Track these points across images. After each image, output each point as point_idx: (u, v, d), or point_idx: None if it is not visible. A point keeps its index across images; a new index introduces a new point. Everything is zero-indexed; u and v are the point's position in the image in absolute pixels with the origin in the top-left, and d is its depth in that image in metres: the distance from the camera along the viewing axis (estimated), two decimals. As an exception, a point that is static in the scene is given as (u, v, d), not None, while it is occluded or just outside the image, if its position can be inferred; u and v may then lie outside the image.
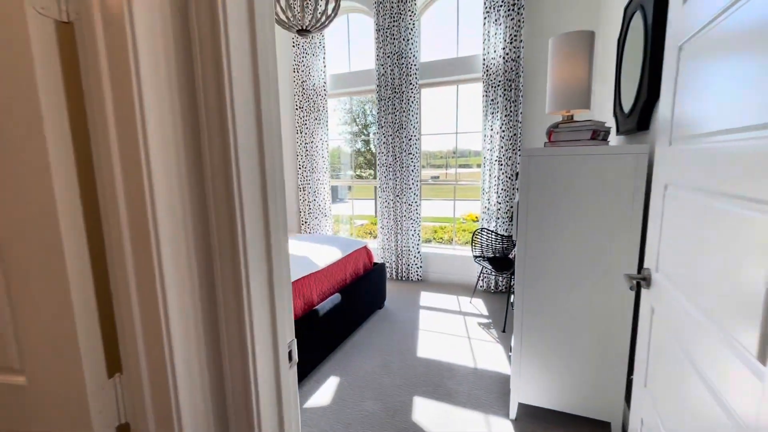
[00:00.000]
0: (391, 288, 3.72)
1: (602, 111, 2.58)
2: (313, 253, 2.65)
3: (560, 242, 1.58)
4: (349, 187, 6.16)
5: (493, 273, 2.95)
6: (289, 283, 0.80)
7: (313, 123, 4.10)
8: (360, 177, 7.02)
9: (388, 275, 4.01)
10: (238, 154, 0.64)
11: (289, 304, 0.80)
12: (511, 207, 3.41)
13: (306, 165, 4.22)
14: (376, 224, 4.09)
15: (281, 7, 2.19)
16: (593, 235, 1.51)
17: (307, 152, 4.19)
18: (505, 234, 3.43)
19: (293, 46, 4.01)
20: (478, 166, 3.56)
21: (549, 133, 1.66)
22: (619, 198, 1.45)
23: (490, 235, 3.32)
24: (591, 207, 1.50)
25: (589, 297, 1.56)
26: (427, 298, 3.48)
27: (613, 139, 2.22)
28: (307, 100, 4.08)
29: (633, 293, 1.48)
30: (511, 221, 3.43)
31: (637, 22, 1.75)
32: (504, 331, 2.77)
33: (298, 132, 4.17)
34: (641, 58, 1.62)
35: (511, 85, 3.24)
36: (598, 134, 1.56)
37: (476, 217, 6.21)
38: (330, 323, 2.34)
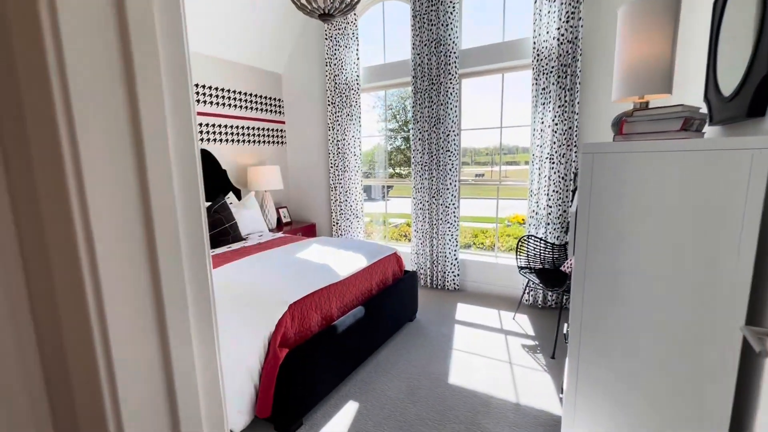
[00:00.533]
0: (424, 297, 3.42)
1: (685, 95, 2.10)
2: (335, 260, 2.42)
3: (635, 265, 1.21)
4: (385, 187, 5.90)
5: (540, 287, 2.56)
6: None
7: (345, 119, 3.89)
8: (399, 175, 6.76)
9: (421, 283, 3.72)
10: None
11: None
12: (565, 212, 2.97)
13: (338, 164, 4.02)
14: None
15: (299, -11, 1.97)
16: (683, 260, 1.12)
17: (339, 150, 3.99)
18: (557, 243, 3.00)
19: (325, 39, 3.82)
20: (526, 163, 3.16)
21: (620, 124, 1.28)
22: (723, 213, 1.05)
23: (538, 244, 2.91)
24: (680, 222, 1.11)
25: (675, 339, 1.17)
26: (464, 311, 3.14)
27: (706, 131, 1.76)
28: (339, 95, 3.87)
29: (739, 343, 1.08)
30: (565, 230, 2.99)
31: (748, -26, 1.31)
32: (554, 358, 2.38)
33: (330, 129, 3.98)
34: (756, 19, 1.20)
35: (566, 70, 2.80)
36: (691, 123, 1.16)
37: (523, 219, 5.71)
38: (351, 340, 2.10)
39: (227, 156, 3.79)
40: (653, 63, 1.44)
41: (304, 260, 2.40)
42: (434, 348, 2.52)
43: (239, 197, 3.83)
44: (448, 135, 3.36)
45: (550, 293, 3.06)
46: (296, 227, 4.11)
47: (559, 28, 2.76)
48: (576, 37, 2.73)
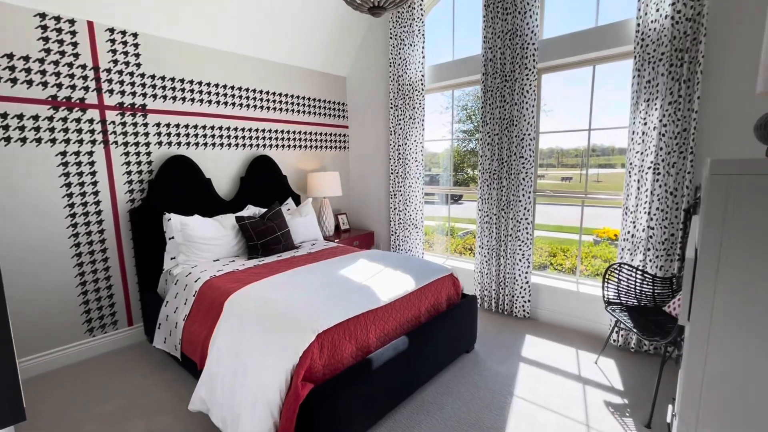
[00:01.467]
0: (486, 323, 3.02)
1: None
2: (379, 281, 2.18)
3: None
4: (452, 196, 5.49)
5: (634, 332, 2.02)
6: None
7: (408, 122, 3.63)
8: (474, 180, 6.29)
9: (485, 306, 3.30)
10: None
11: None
12: (672, 236, 2.35)
13: (398, 170, 3.78)
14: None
15: (344, -20, 1.77)
16: None
17: (400, 156, 3.75)
18: (660, 276, 2.38)
19: (390, 38, 3.61)
20: (623, 166, 2.59)
21: (782, 130, 0.83)
22: None
23: (633, 274, 2.34)
24: None
25: None
26: (533, 345, 2.68)
27: None
28: (402, 97, 3.63)
29: None
30: (671, 258, 2.36)
31: None
32: (649, 427, 1.84)
33: (392, 133, 3.76)
34: None
35: (682, 57, 2.19)
36: None
37: (615, 235, 4.86)
38: (390, 375, 1.84)
39: (288, 161, 3.79)
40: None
41: (346, 279, 2.20)
42: (492, 392, 2.14)
43: (298, 203, 3.81)
44: (523, 139, 2.90)
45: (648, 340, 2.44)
46: (354, 235, 3.97)
47: (674, 4, 2.17)
48: (699, 13, 2.12)
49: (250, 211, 3.16)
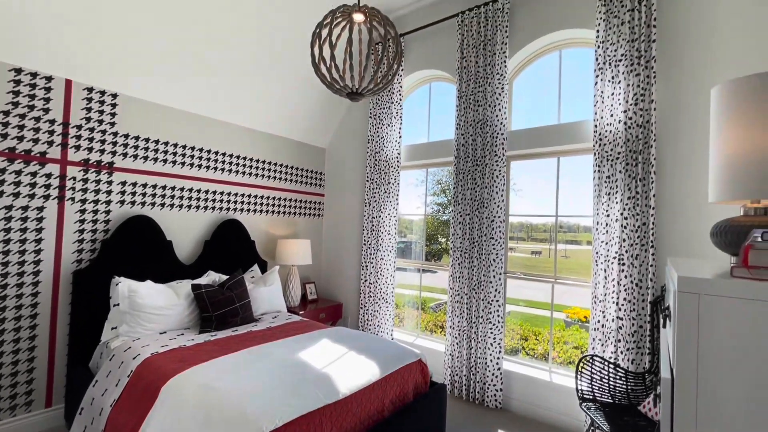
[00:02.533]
0: (456, 414, 2.78)
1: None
2: (341, 367, 2.00)
3: None
4: (422, 266, 5.44)
5: (611, 435, 1.88)
6: None
7: (383, 196, 3.68)
8: (446, 251, 6.31)
9: (456, 393, 3.08)
10: None
11: None
12: (641, 327, 2.33)
13: (370, 241, 3.74)
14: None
15: (326, 67, 1.86)
16: None
17: (373, 227, 3.73)
18: (632, 372, 2.31)
19: (369, 117, 3.79)
20: (589, 243, 2.62)
21: (743, 251, 0.84)
22: None
23: (605, 368, 2.26)
24: None
25: None
26: (505, 444, 2.45)
27: None
28: (378, 172, 3.72)
29: None
30: (648, 353, 2.32)
31: None
32: None
33: (366, 205, 3.79)
34: None
35: (637, 158, 2.37)
36: None
37: (585, 317, 4.84)
38: (344, 487, 1.59)
39: (259, 226, 3.69)
40: (771, 157, 1.02)
41: (304, 364, 2.00)
42: (460, 505, 1.88)
43: (265, 269, 3.64)
44: (493, 220, 2.96)
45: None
46: (321, 306, 3.77)
47: (626, 111, 2.40)
48: (648, 121, 2.34)
49: (210, 277, 2.97)
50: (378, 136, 3.73)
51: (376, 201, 3.73)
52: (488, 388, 2.91)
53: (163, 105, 2.95)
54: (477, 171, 3.06)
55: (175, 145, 3.03)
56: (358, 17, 2.02)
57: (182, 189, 3.08)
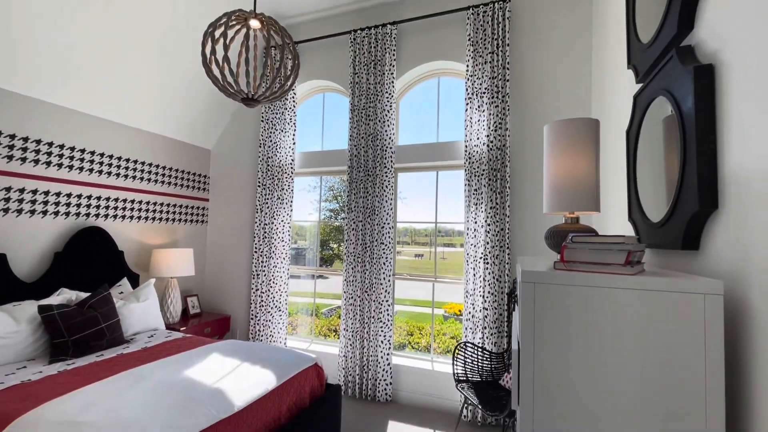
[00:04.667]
0: (350, 413, 2.91)
1: (610, 213, 2.16)
2: (234, 380, 1.93)
3: (592, 422, 0.97)
4: (316, 272, 5.48)
5: (479, 408, 2.25)
6: None
7: (276, 202, 3.62)
8: (339, 257, 6.42)
9: (349, 392, 3.21)
10: None
11: None
12: (501, 315, 2.82)
13: (262, 249, 3.63)
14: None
15: (222, 72, 1.81)
16: (646, 414, 0.92)
17: (265, 234, 3.64)
18: (495, 351, 2.78)
19: (261, 121, 3.70)
20: (462, 245, 3.05)
21: (561, 250, 1.15)
22: (685, 371, 0.89)
23: (475, 352, 2.66)
24: (641, 368, 0.93)
25: None
26: (395, 430, 2.67)
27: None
28: (271, 177, 3.65)
29: None
30: (506, 335, 2.80)
31: (659, 110, 1.38)
32: (496, 504, 1.97)
33: (258, 211, 3.67)
34: (679, 154, 1.20)
35: (496, 174, 2.87)
36: (634, 256, 1.06)
37: (459, 311, 5.53)
38: (240, 502, 1.55)
39: (128, 234, 3.24)
40: (581, 181, 1.41)
41: (193, 382, 1.87)
42: (355, 495, 2.00)
43: (137, 284, 3.21)
44: (383, 227, 3.20)
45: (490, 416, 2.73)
46: (206, 320, 3.49)
47: (488, 135, 2.89)
48: (504, 145, 2.87)
49: (65, 296, 2.50)
50: (271, 141, 3.66)
51: (269, 207, 3.64)
52: (379, 384, 3.12)
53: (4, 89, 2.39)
54: (369, 181, 3.27)
55: (12, 137, 2.48)
56: (255, 24, 2.01)
57: (22, 190, 2.54)
